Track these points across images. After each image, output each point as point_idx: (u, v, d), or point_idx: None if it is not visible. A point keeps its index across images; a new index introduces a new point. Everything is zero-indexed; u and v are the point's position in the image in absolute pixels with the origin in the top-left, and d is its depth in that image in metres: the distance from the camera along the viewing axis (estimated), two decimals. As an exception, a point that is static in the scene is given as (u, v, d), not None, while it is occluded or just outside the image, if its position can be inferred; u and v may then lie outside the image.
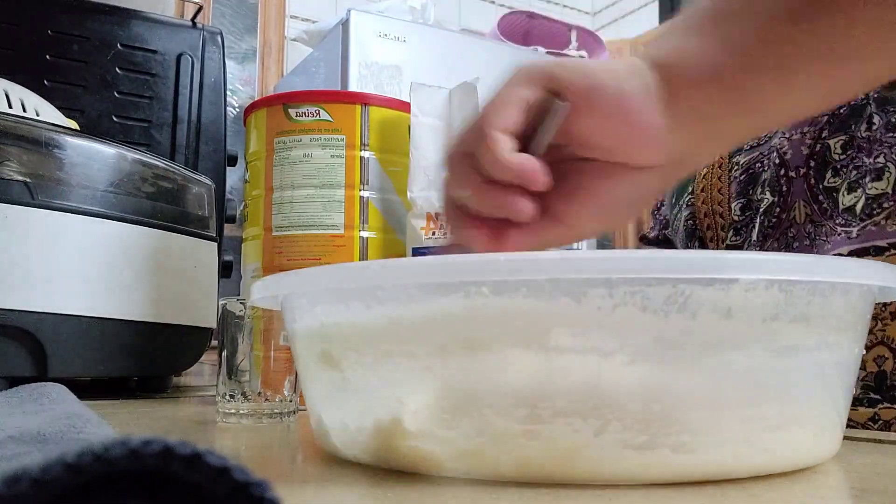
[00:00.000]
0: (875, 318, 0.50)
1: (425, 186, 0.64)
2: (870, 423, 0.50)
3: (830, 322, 0.30)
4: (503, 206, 0.37)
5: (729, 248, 0.61)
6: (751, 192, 0.60)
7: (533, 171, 0.35)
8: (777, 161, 0.57)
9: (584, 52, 2.66)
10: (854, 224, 0.51)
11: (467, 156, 0.37)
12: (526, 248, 0.38)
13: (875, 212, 0.50)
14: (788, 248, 0.56)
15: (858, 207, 0.51)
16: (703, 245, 0.66)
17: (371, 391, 0.31)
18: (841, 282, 0.29)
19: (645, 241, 0.82)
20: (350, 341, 0.31)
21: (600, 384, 0.27)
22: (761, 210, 0.58)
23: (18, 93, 0.73)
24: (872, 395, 0.50)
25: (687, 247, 0.68)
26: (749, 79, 0.36)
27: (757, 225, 0.58)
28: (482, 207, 0.38)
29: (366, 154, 0.64)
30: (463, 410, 0.28)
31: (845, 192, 0.53)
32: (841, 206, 0.53)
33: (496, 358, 0.27)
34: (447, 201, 0.40)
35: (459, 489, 0.27)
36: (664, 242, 0.78)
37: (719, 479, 0.28)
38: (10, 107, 0.71)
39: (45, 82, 1.00)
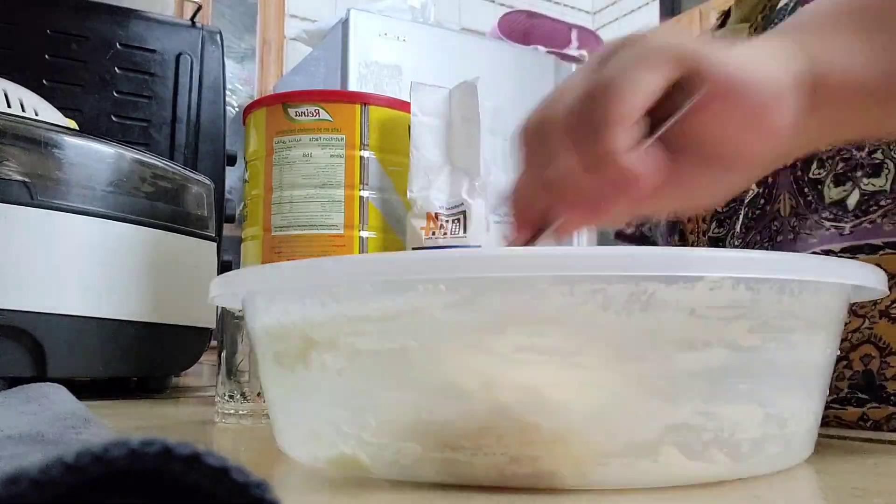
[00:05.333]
0: (863, 316, 0.50)
1: (425, 186, 0.64)
2: (860, 422, 0.50)
3: (800, 322, 0.29)
4: (611, 191, 0.31)
5: (711, 239, 0.61)
6: None
7: (645, 177, 0.30)
8: None
9: (584, 52, 2.67)
10: (847, 220, 0.51)
11: (562, 131, 0.32)
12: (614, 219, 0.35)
13: (871, 209, 0.50)
14: (772, 241, 0.55)
15: (851, 203, 0.51)
16: (682, 239, 0.66)
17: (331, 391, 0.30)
18: (810, 280, 0.28)
19: (621, 237, 0.82)
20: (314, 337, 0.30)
21: (559, 385, 0.26)
22: (746, 201, 0.58)
23: (17, 92, 0.73)
24: (860, 395, 0.49)
25: (668, 241, 0.67)
26: None
27: (741, 216, 0.58)
28: (575, 191, 0.32)
29: (366, 154, 0.64)
30: (416, 414, 0.27)
31: (831, 185, 0.52)
32: (827, 200, 0.52)
33: (451, 358, 0.27)
34: (521, 183, 0.35)
35: (443, 494, 0.27)
36: (640, 239, 0.78)
37: (685, 485, 0.27)
38: (9, 106, 0.71)
39: (45, 82, 0.99)
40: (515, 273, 0.26)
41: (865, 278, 0.30)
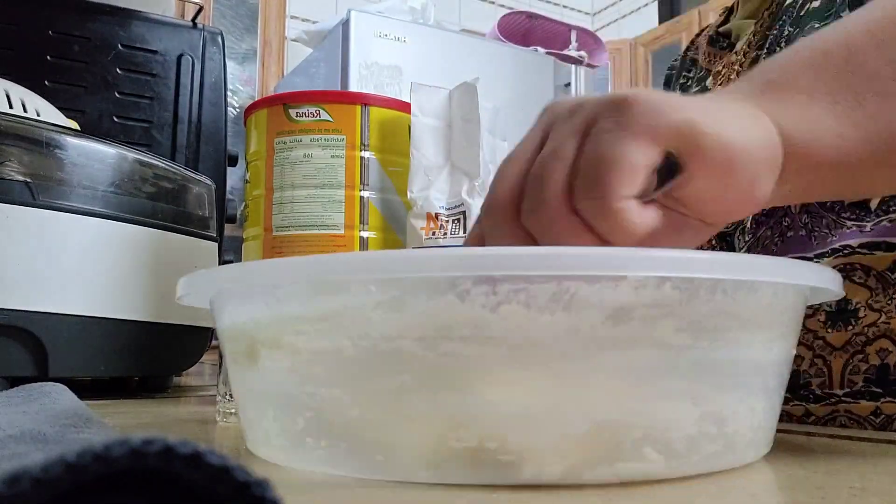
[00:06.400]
0: (879, 310, 0.50)
1: (425, 186, 0.64)
2: (871, 417, 0.50)
3: (736, 321, 0.29)
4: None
5: (719, 234, 0.61)
6: None
7: (653, 225, 0.32)
8: None
9: (583, 53, 2.67)
10: (868, 219, 0.51)
11: (554, 195, 0.32)
12: None
13: (892, 209, 0.50)
14: (782, 237, 0.56)
15: (873, 203, 0.51)
16: None
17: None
18: (743, 280, 0.28)
19: None
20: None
21: (485, 385, 0.27)
22: None
23: (19, 93, 0.73)
24: (874, 389, 0.50)
25: None
26: (872, 169, 0.35)
27: None
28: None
29: (366, 154, 0.64)
30: (356, 414, 0.28)
31: None
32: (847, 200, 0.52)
33: (382, 358, 0.28)
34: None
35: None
36: None
37: (626, 483, 0.27)
38: (10, 107, 0.71)
39: (46, 83, 1.00)
40: (440, 273, 0.26)
41: (806, 277, 0.30)
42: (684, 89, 0.74)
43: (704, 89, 0.68)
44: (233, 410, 0.50)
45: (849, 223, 0.52)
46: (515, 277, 0.26)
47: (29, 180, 0.63)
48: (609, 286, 0.26)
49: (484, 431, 0.27)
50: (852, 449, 0.38)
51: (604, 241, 0.31)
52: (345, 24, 2.02)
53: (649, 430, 0.27)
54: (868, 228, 0.51)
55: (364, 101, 0.65)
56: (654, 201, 0.32)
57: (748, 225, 0.58)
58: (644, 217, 0.31)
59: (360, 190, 0.64)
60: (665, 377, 0.28)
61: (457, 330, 0.27)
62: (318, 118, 0.64)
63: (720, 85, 0.66)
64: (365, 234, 0.64)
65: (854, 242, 0.51)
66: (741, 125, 0.33)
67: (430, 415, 0.27)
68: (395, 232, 0.65)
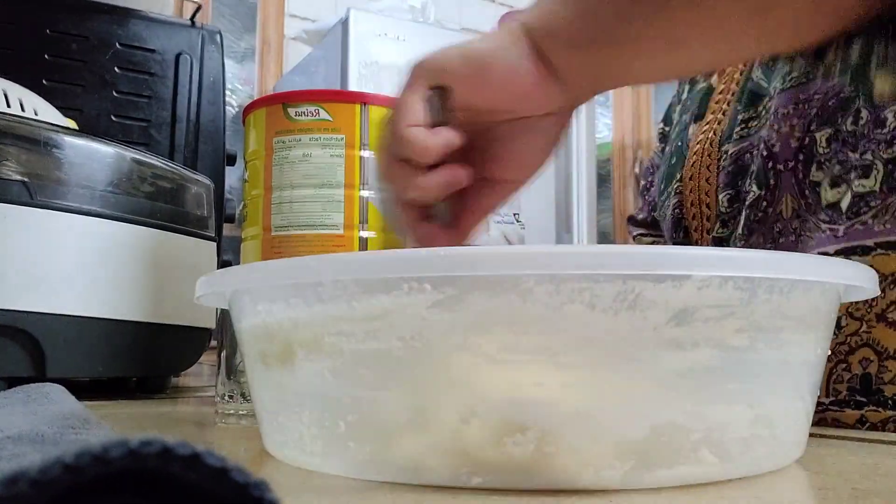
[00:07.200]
0: (860, 319, 0.50)
1: (425, 186, 0.64)
2: (858, 425, 0.50)
3: (790, 321, 0.29)
4: (446, 180, 0.43)
5: (715, 239, 0.61)
6: (739, 183, 0.60)
7: (450, 138, 0.42)
8: (765, 154, 0.56)
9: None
10: (841, 222, 0.51)
11: (400, 162, 0.43)
12: (479, 217, 0.47)
13: (862, 210, 0.50)
14: (774, 243, 0.55)
15: (844, 205, 0.51)
16: (686, 236, 0.65)
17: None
18: (800, 279, 0.28)
19: (633, 222, 0.82)
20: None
21: (545, 385, 0.26)
22: (747, 203, 0.57)
23: (17, 92, 0.73)
24: (858, 398, 0.49)
25: (673, 237, 0.67)
26: (605, 49, 0.42)
27: (743, 218, 0.58)
28: (428, 193, 0.43)
29: (366, 154, 0.64)
30: (402, 415, 0.27)
31: (828, 188, 0.52)
32: (824, 202, 0.52)
33: (437, 358, 0.27)
34: (398, 211, 0.46)
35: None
36: (653, 224, 0.78)
37: (674, 486, 0.27)
38: (8, 106, 0.71)
39: (44, 82, 0.99)
40: (501, 271, 0.26)
41: (856, 278, 0.30)
42: (692, 83, 0.74)
43: (710, 87, 0.68)
44: (231, 411, 0.50)
45: (823, 226, 0.52)
46: (580, 276, 0.25)
47: (27, 180, 0.63)
48: (674, 286, 0.26)
49: (543, 435, 0.26)
50: (853, 449, 0.38)
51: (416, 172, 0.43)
52: (344, 23, 2.02)
53: (707, 433, 0.27)
54: (841, 233, 0.50)
55: (363, 100, 0.65)
56: (446, 125, 0.42)
57: (740, 231, 0.58)
58: (433, 136, 0.42)
59: (360, 190, 0.64)
60: (724, 379, 0.27)
61: (517, 329, 0.26)
62: (317, 117, 0.64)
63: (724, 83, 0.66)
64: (365, 234, 0.64)
65: (831, 249, 0.51)
66: (488, 39, 0.44)
67: (486, 418, 0.26)
68: (394, 232, 0.65)
